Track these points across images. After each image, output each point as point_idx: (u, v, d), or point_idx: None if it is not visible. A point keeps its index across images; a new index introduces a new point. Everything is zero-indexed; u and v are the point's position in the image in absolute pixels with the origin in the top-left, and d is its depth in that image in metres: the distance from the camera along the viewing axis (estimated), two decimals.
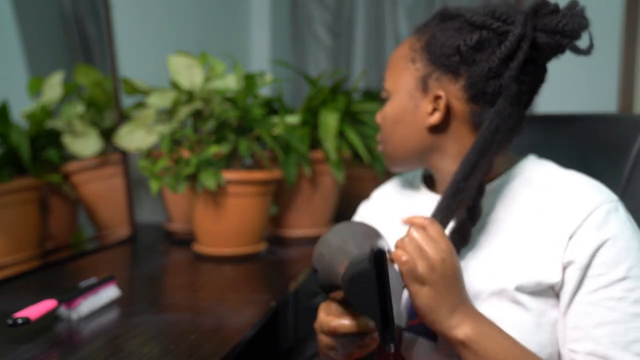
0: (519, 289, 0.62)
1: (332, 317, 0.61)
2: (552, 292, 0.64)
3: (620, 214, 0.63)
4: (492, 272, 0.64)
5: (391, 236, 0.77)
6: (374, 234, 0.63)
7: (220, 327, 0.73)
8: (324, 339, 0.64)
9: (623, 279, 0.60)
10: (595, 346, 0.60)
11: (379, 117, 0.79)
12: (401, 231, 0.76)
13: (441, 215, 0.65)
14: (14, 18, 1.06)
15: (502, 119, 0.65)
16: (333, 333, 0.61)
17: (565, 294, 0.62)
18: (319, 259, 0.62)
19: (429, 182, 0.81)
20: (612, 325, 0.60)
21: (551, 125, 0.91)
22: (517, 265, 0.63)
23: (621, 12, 1.78)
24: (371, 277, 0.50)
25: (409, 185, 0.84)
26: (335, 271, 0.58)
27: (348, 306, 0.61)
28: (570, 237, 0.62)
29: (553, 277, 0.62)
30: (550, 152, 0.86)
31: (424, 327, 0.67)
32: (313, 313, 0.97)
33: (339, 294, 0.60)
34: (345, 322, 0.60)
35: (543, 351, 0.62)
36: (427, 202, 0.77)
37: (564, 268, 0.62)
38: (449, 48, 0.67)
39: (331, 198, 1.33)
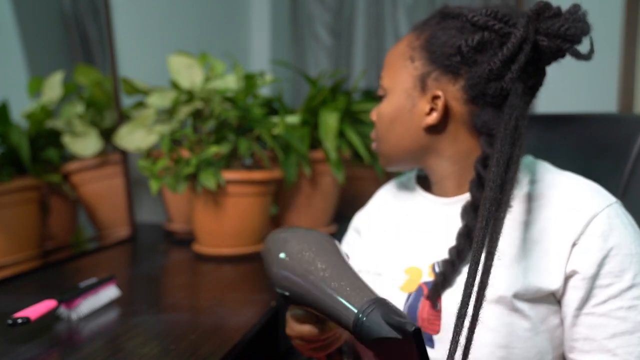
0: (517, 296, 0.61)
1: (308, 326, 0.64)
2: (553, 298, 0.63)
3: (620, 218, 0.63)
4: (492, 281, 0.63)
5: (390, 241, 0.77)
6: (326, 241, 0.62)
7: (220, 327, 0.73)
8: (302, 343, 0.68)
9: (631, 287, 0.60)
10: (612, 357, 0.60)
11: (373, 115, 0.78)
12: (400, 235, 0.76)
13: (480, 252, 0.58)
14: (14, 18, 1.06)
15: (518, 115, 0.63)
16: (315, 339, 0.65)
17: (571, 305, 0.62)
18: (290, 287, 0.60)
19: (424, 182, 0.80)
20: (626, 336, 0.59)
21: (551, 125, 0.91)
22: (515, 271, 0.62)
23: (621, 12, 1.78)
24: (408, 349, 0.49)
25: (404, 187, 0.83)
26: (323, 305, 0.57)
27: (312, 314, 0.64)
28: (574, 245, 0.61)
29: (554, 284, 0.61)
30: (550, 152, 0.86)
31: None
32: None
33: (306, 308, 0.62)
34: (319, 330, 0.64)
35: (544, 358, 0.62)
36: (424, 202, 0.76)
37: (568, 276, 0.62)
38: (450, 47, 0.66)
39: (331, 198, 1.33)
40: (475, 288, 0.56)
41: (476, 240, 0.57)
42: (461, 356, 0.55)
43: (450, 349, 0.55)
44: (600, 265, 0.60)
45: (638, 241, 0.62)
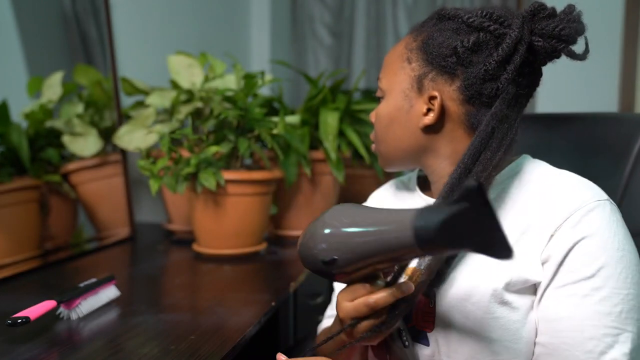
0: (507, 287, 0.62)
1: (368, 295, 0.59)
2: (535, 289, 0.64)
3: (605, 213, 0.62)
4: (484, 274, 0.64)
5: None
6: (353, 204, 0.63)
7: (220, 327, 0.73)
8: (363, 324, 0.61)
9: (591, 276, 0.60)
10: (550, 339, 0.60)
11: (372, 116, 0.79)
12: None
13: None
14: (14, 18, 1.06)
15: (498, 121, 0.65)
16: (374, 308, 0.59)
17: (540, 289, 0.63)
18: (339, 246, 0.59)
19: (424, 182, 0.81)
20: (572, 321, 0.60)
21: (551, 125, 0.91)
22: (505, 264, 0.63)
23: (621, 12, 1.78)
24: (477, 212, 0.48)
25: (405, 187, 0.83)
26: (377, 243, 0.56)
27: (364, 282, 0.61)
28: (551, 236, 0.62)
29: (537, 276, 0.62)
30: (550, 152, 0.86)
31: (416, 331, 0.68)
32: (313, 313, 0.97)
33: (351, 276, 0.60)
34: (383, 294, 0.59)
35: (531, 349, 0.63)
36: (422, 204, 0.77)
37: (542, 265, 0.62)
38: (446, 49, 0.67)
39: (331, 198, 1.33)
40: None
41: None
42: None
43: None
44: (568, 252, 0.61)
45: (616, 238, 0.61)
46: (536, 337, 0.63)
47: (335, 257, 0.59)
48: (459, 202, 0.49)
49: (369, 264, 0.58)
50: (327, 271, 0.61)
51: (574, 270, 0.61)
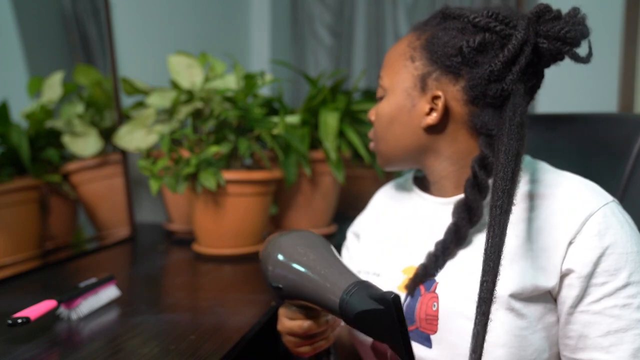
0: (514, 295, 0.61)
1: (299, 321, 0.66)
2: (549, 296, 0.63)
3: (617, 217, 0.63)
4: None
5: (388, 243, 0.77)
6: (318, 238, 0.66)
7: (220, 327, 0.73)
8: (292, 339, 0.68)
9: (626, 285, 0.60)
10: (605, 355, 0.60)
11: (372, 114, 0.78)
12: (398, 235, 0.76)
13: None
14: (14, 18, 1.06)
15: (522, 112, 0.63)
16: (304, 334, 0.66)
17: (566, 303, 0.62)
18: (285, 279, 0.63)
19: (421, 183, 0.80)
20: (620, 334, 0.59)
21: (551, 125, 0.91)
22: (512, 271, 0.62)
23: (621, 12, 1.78)
24: (389, 319, 0.53)
25: (401, 188, 0.83)
26: (313, 292, 0.60)
27: (305, 309, 0.66)
28: (570, 244, 0.61)
29: (550, 282, 0.62)
30: (551, 152, 0.86)
31: (419, 333, 0.67)
32: None
33: (294, 303, 0.66)
34: (310, 323, 0.65)
35: (540, 357, 0.62)
36: (421, 203, 0.77)
37: (563, 275, 0.62)
38: (451, 48, 0.67)
39: (331, 198, 1.33)
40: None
41: (491, 233, 0.56)
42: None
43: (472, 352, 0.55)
44: (596, 264, 0.60)
45: (634, 240, 0.62)
46: (574, 353, 0.62)
47: (281, 286, 0.64)
48: (377, 302, 0.53)
49: (308, 301, 0.63)
50: (274, 293, 0.66)
51: (605, 282, 0.60)
